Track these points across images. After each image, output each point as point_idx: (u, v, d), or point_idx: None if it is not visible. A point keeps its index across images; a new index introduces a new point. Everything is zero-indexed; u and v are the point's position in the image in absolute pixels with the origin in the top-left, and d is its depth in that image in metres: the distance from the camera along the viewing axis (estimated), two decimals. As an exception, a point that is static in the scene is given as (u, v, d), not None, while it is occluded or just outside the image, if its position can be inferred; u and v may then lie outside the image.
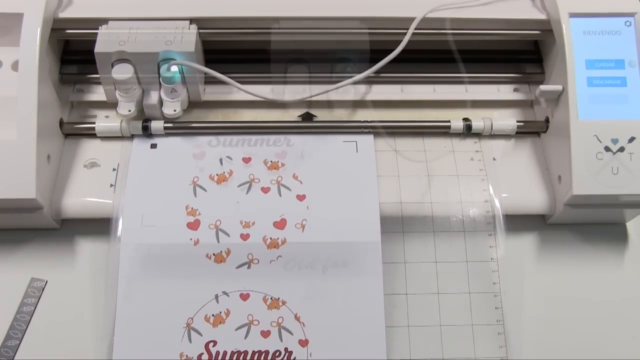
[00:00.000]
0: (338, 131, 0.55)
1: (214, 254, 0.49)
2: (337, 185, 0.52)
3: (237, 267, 0.49)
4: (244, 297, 0.49)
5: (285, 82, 0.57)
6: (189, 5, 0.53)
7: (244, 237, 0.50)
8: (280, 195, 0.51)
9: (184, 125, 0.55)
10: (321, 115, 0.56)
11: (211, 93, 0.56)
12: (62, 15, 0.51)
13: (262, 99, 0.53)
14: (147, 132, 0.54)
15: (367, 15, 0.53)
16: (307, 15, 0.53)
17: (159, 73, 0.51)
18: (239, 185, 0.52)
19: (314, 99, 0.56)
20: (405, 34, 0.54)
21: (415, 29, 0.54)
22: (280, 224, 0.50)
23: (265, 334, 0.48)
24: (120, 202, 0.50)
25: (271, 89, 0.57)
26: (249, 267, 0.49)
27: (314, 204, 0.51)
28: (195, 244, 0.49)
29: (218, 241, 0.49)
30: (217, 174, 0.52)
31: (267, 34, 0.53)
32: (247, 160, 0.53)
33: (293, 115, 0.56)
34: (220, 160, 0.53)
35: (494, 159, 0.55)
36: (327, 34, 0.54)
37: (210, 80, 0.54)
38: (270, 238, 0.49)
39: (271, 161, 0.53)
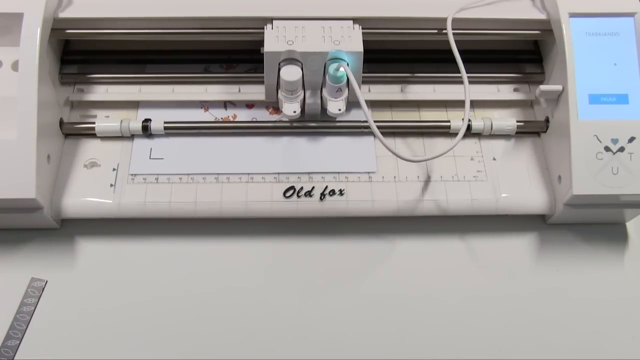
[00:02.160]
0: (339, 132, 0.55)
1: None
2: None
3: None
4: None
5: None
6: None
7: None
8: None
9: (184, 125, 0.55)
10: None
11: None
12: (62, 15, 0.51)
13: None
14: (147, 132, 0.54)
15: (368, 16, 0.53)
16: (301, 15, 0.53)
17: (324, 73, 0.51)
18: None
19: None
20: (406, 34, 0.54)
21: (415, 29, 0.54)
22: None
23: None
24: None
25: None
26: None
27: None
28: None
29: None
30: (221, 118, 0.55)
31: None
32: (250, 106, 0.57)
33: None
34: (225, 105, 0.56)
35: (494, 159, 0.55)
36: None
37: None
38: None
39: (272, 107, 0.55)
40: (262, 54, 0.50)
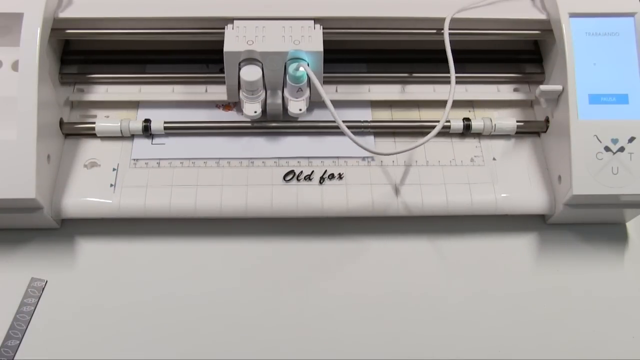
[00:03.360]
0: (338, 131, 0.55)
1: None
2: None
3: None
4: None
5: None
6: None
7: None
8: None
9: (184, 125, 0.55)
10: (321, 116, 0.56)
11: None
12: (62, 15, 0.51)
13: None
14: (147, 132, 0.54)
15: (368, 16, 0.53)
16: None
17: (284, 72, 0.51)
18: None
19: (313, 99, 0.56)
20: (406, 34, 0.54)
21: (416, 29, 0.54)
22: None
23: None
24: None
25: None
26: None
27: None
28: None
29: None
30: (223, 105, 0.56)
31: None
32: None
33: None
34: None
35: (494, 159, 0.55)
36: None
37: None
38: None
39: None
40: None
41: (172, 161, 0.53)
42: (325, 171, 0.53)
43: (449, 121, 0.55)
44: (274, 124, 0.55)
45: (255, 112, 0.52)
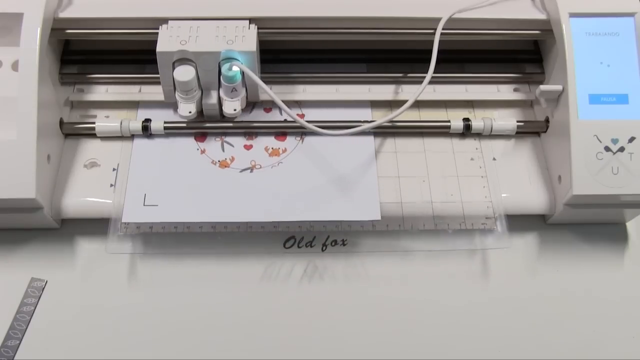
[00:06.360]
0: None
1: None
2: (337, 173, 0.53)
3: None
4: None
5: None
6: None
7: None
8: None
9: (184, 125, 0.55)
10: (321, 115, 0.56)
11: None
12: (62, 15, 0.51)
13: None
14: (147, 132, 0.54)
15: (366, 16, 0.53)
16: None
17: (219, 72, 0.51)
18: (241, 171, 0.53)
19: (313, 99, 0.56)
20: (405, 34, 0.54)
21: (415, 29, 0.54)
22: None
23: None
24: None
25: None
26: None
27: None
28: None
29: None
30: (219, 160, 0.53)
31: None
32: (248, 147, 0.54)
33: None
34: (222, 147, 0.54)
35: (494, 159, 0.55)
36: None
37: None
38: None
39: (272, 148, 0.54)
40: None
41: (165, 225, 0.50)
42: (328, 237, 0.51)
43: (448, 121, 0.55)
44: (269, 125, 0.55)
45: (190, 112, 0.51)
